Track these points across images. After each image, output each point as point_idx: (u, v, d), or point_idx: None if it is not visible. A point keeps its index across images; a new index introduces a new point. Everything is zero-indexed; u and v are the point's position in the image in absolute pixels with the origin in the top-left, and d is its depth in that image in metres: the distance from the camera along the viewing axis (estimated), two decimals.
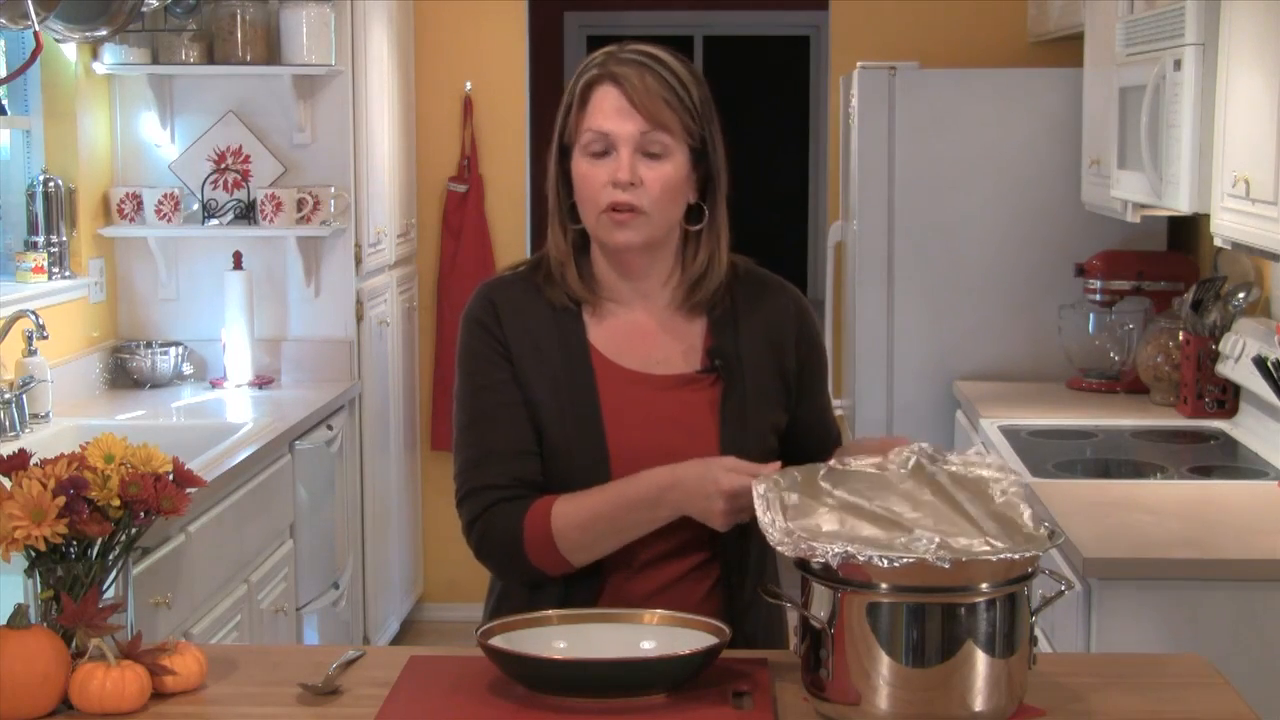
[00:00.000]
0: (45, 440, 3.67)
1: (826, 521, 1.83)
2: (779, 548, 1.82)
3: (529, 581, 2.13)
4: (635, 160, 2.09)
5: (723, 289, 2.19)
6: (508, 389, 2.15)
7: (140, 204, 4.56)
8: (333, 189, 4.71)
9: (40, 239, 4.23)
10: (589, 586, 2.12)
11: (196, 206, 4.66)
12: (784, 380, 2.21)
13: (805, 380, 2.24)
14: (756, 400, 2.16)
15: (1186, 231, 4.63)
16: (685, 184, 2.14)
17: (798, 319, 2.24)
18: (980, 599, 1.76)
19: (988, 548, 1.77)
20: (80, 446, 1.96)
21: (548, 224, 2.20)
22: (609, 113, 2.10)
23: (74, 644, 1.88)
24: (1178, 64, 3.41)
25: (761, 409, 2.16)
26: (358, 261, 4.83)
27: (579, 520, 2.07)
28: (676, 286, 2.19)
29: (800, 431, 2.23)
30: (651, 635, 1.95)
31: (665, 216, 2.13)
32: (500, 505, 2.11)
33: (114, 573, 1.95)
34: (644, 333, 2.18)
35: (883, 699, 1.77)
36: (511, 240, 5.65)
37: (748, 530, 2.08)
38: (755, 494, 1.89)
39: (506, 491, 2.11)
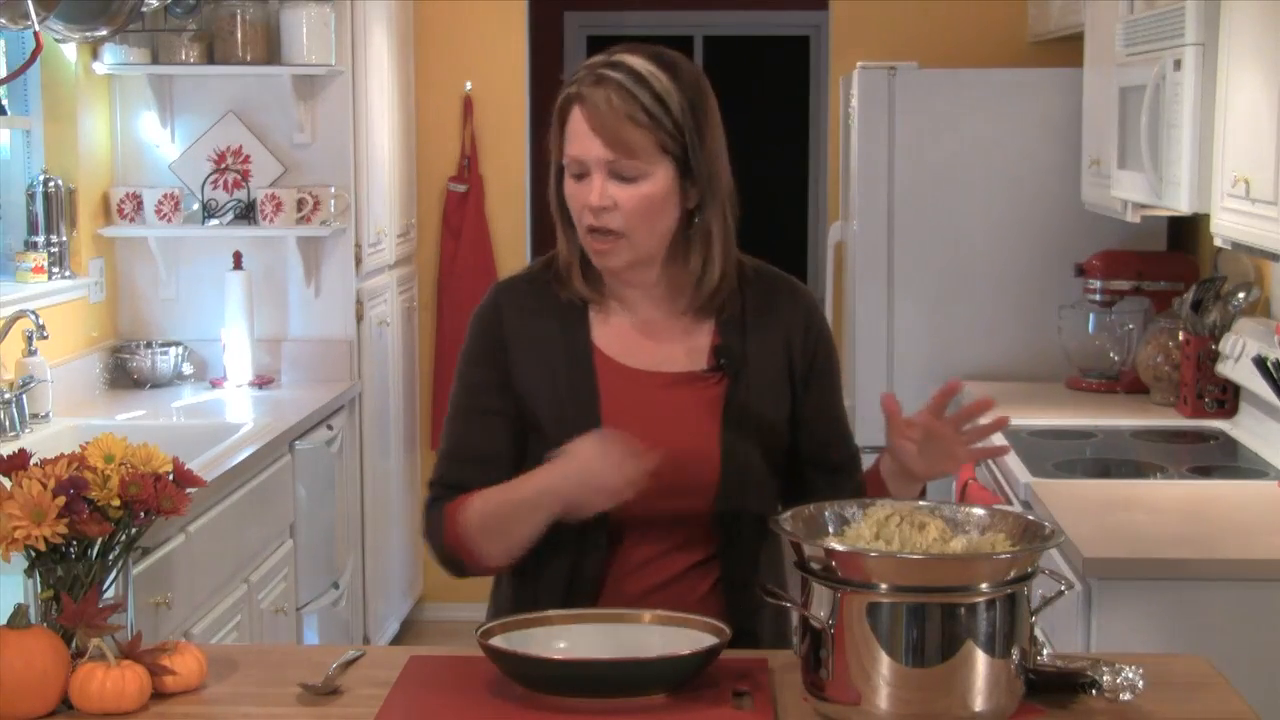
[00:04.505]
0: (45, 440, 3.66)
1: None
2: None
3: (469, 576, 2.17)
4: (607, 183, 2.06)
5: (732, 291, 2.17)
6: (488, 394, 2.16)
7: (140, 204, 4.56)
8: (333, 189, 4.71)
9: (40, 239, 4.23)
10: (589, 581, 2.12)
11: (196, 206, 4.66)
12: (790, 380, 2.19)
13: (811, 376, 2.20)
14: (761, 401, 2.15)
15: (1186, 231, 4.62)
16: (669, 199, 2.09)
17: (807, 318, 2.22)
18: (980, 599, 1.76)
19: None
20: (80, 446, 1.96)
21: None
22: (579, 136, 2.07)
23: (74, 644, 1.88)
24: (1178, 64, 3.41)
25: (766, 410, 2.15)
26: (358, 261, 4.82)
27: (477, 520, 2.10)
28: (680, 289, 2.18)
29: (796, 427, 2.20)
30: (651, 635, 1.95)
31: (647, 235, 2.10)
32: (437, 504, 2.16)
33: (114, 573, 1.95)
34: (649, 332, 2.18)
35: (883, 699, 1.77)
36: (511, 240, 5.65)
37: (752, 530, 2.08)
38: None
39: (449, 494, 2.15)
